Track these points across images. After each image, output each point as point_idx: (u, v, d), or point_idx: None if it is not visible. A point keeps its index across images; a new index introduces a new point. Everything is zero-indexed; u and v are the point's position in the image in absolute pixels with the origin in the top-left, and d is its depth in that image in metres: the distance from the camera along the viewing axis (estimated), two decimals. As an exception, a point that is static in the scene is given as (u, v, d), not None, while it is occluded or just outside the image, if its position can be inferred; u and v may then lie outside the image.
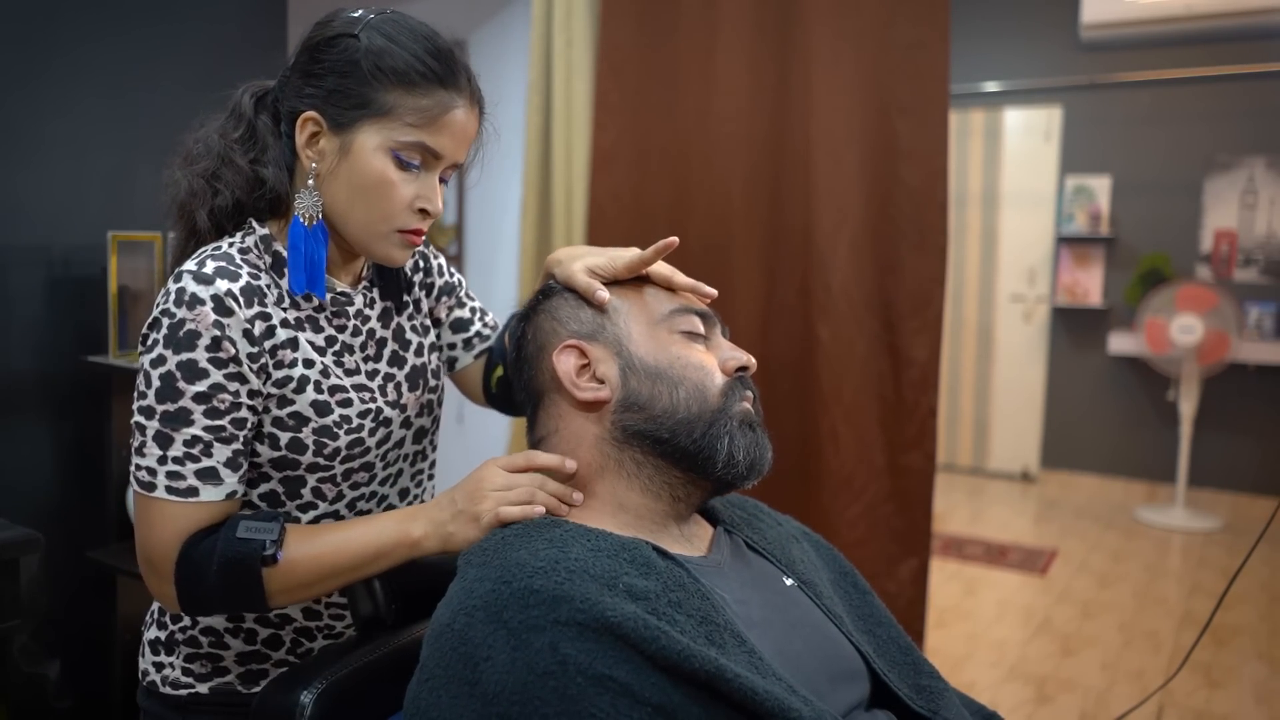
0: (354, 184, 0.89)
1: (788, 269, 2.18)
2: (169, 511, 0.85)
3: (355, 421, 0.95)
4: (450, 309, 1.14)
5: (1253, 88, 4.37)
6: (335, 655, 0.90)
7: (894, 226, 2.08)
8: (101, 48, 2.06)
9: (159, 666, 1.01)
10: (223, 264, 0.88)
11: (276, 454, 0.92)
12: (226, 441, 0.86)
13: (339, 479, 0.97)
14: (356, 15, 0.90)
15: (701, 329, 0.88)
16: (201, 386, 0.85)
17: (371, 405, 0.97)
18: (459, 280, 1.16)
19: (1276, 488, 4.44)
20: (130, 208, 2.13)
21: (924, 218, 2.05)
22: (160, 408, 0.85)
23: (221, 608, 0.89)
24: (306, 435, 0.92)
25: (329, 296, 0.96)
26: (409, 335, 1.05)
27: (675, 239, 0.89)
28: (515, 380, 0.95)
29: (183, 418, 0.85)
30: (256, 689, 1.01)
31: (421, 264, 1.11)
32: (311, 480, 0.95)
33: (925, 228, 2.05)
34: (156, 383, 0.85)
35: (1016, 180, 5.11)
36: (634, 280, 0.91)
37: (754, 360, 0.89)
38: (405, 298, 1.07)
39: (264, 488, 0.95)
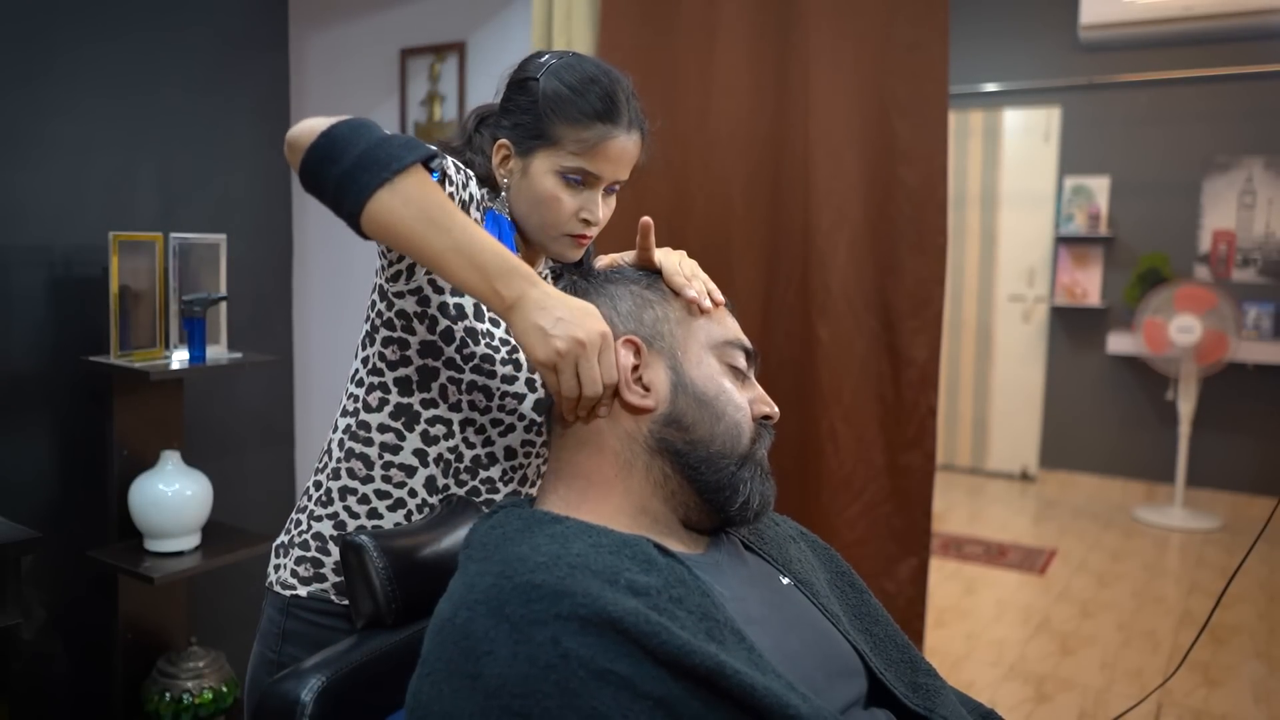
0: (531, 198, 1.09)
1: (787, 269, 2.18)
2: None
3: (501, 350, 1.07)
4: None
5: (1252, 88, 4.38)
6: (335, 655, 0.90)
7: (894, 226, 2.09)
8: (102, 48, 2.06)
9: (277, 568, 1.14)
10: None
11: (430, 338, 1.06)
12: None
13: (464, 388, 1.07)
14: (543, 60, 1.10)
15: (745, 367, 0.91)
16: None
17: (523, 358, 1.08)
18: None
19: (1275, 487, 4.44)
20: (131, 208, 2.13)
21: (923, 218, 2.05)
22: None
23: (326, 155, 0.90)
24: (459, 329, 1.06)
25: None
26: None
27: (649, 219, 0.98)
28: None
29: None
30: None
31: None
32: (442, 376, 1.07)
33: (925, 228, 2.05)
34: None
35: (1015, 180, 5.11)
36: (678, 300, 0.92)
37: (778, 412, 0.92)
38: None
39: (402, 371, 1.08)
